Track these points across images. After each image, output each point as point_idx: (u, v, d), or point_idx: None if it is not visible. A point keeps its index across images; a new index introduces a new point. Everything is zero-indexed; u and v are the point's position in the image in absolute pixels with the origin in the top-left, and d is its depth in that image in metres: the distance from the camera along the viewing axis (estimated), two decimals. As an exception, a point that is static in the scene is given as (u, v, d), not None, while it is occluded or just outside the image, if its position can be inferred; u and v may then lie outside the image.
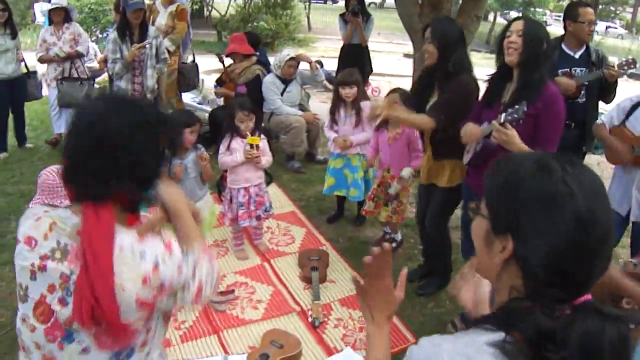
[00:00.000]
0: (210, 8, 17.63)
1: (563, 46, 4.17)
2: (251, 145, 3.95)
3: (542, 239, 0.98)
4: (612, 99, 4.13)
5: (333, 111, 4.62)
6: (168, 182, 1.67)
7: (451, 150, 3.31)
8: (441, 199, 3.56)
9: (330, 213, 5.04)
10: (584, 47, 4.16)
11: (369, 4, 7.54)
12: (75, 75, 6.12)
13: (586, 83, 4.03)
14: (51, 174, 2.94)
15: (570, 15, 4.12)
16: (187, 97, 7.70)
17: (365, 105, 4.47)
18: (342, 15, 7.64)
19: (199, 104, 7.74)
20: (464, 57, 3.26)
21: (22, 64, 6.23)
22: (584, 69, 4.07)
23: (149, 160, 1.47)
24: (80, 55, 6.14)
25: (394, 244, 4.41)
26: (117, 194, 1.41)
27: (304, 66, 6.16)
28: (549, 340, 0.93)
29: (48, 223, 1.42)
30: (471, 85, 3.26)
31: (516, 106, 2.57)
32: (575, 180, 0.99)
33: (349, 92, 4.44)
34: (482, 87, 3.18)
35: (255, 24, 14.83)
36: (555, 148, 2.78)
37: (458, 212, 3.75)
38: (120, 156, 1.39)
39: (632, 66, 3.98)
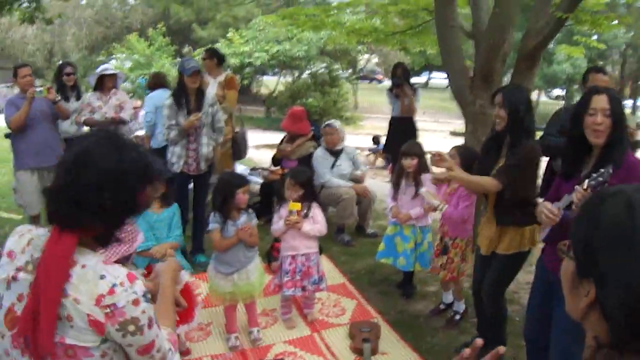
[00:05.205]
0: (258, 84, 18.29)
1: None
2: (290, 212, 4.00)
3: (621, 284, 0.92)
4: None
5: (396, 182, 4.70)
6: (171, 260, 1.87)
7: (515, 216, 3.30)
8: (500, 266, 3.45)
9: (379, 286, 5.01)
10: None
11: (413, 84, 7.70)
12: None
13: None
14: None
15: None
16: (240, 168, 7.89)
17: (425, 178, 4.50)
18: (390, 90, 7.86)
19: (249, 175, 7.90)
20: (532, 124, 3.30)
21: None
22: None
23: (122, 208, 1.55)
24: (123, 122, 6.15)
25: (456, 317, 4.36)
26: (86, 227, 1.51)
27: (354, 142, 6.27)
28: None
29: (27, 239, 1.58)
30: (537, 150, 3.31)
31: (601, 170, 2.44)
32: None
33: (410, 163, 4.52)
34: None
35: (303, 100, 15.27)
36: None
37: (512, 285, 3.60)
38: (95, 197, 1.49)
39: None
